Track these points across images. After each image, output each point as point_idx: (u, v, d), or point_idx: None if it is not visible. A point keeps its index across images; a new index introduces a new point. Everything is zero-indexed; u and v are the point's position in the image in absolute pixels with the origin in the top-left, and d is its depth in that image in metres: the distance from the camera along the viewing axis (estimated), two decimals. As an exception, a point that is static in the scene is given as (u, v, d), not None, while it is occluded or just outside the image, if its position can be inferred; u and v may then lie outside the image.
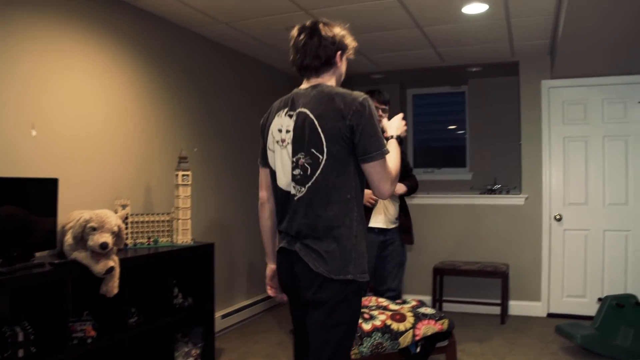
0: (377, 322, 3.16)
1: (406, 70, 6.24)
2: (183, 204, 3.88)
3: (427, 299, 5.43)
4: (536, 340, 4.65)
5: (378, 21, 4.36)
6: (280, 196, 2.16)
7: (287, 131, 2.11)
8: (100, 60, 3.69)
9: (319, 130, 2.02)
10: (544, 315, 5.46)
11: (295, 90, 2.19)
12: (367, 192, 2.47)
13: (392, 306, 3.48)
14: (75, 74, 3.49)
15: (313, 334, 2.09)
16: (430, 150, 7.56)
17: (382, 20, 4.34)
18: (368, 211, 2.74)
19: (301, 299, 2.12)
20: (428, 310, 3.38)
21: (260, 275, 5.63)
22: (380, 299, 3.66)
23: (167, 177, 4.16)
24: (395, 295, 3.90)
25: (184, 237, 3.87)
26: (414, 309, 3.38)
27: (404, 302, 3.55)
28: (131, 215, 3.68)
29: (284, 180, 2.13)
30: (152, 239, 3.78)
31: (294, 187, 2.08)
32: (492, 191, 6.00)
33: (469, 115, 7.16)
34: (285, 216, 2.14)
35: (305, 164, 2.04)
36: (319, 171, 2.02)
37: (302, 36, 2.16)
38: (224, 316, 4.85)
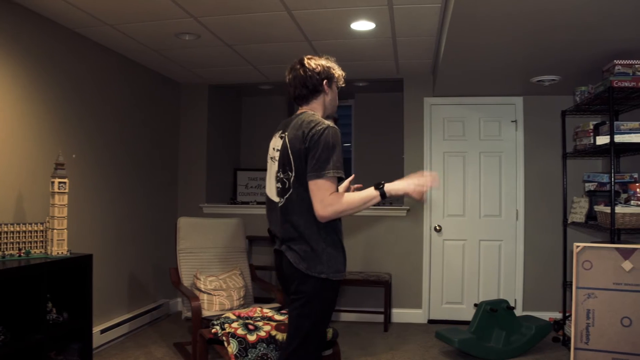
0: (262, 333, 3.15)
1: (295, 83, 6.27)
2: (59, 213, 3.67)
3: (314, 308, 5.47)
4: (417, 345, 4.83)
5: (267, 33, 4.37)
6: (269, 204, 2.57)
7: (277, 150, 2.51)
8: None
9: (289, 151, 2.41)
10: (425, 321, 5.68)
11: (292, 115, 2.60)
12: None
13: (277, 317, 3.48)
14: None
15: (289, 320, 2.46)
16: (317, 162, 7.65)
17: (271, 32, 4.35)
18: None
19: (287, 290, 2.51)
20: (313, 320, 3.40)
21: (142, 287, 5.43)
22: (265, 310, 3.65)
23: (41, 184, 3.90)
24: None
25: (59, 248, 3.65)
26: (299, 319, 3.39)
27: (290, 312, 3.55)
28: None
29: (272, 191, 2.53)
30: (23, 251, 3.53)
31: (277, 198, 2.48)
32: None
33: (355, 128, 7.35)
34: (273, 221, 2.54)
35: (284, 179, 2.43)
36: (291, 185, 2.40)
37: (291, 71, 2.59)
38: (103, 331, 4.61)
